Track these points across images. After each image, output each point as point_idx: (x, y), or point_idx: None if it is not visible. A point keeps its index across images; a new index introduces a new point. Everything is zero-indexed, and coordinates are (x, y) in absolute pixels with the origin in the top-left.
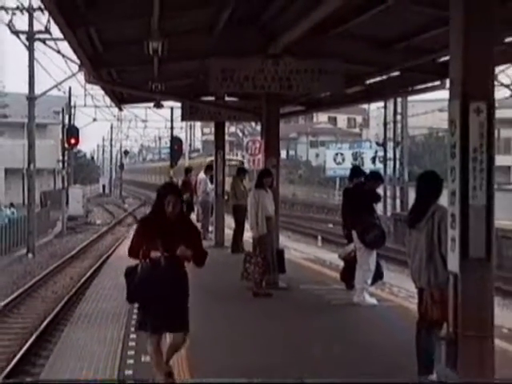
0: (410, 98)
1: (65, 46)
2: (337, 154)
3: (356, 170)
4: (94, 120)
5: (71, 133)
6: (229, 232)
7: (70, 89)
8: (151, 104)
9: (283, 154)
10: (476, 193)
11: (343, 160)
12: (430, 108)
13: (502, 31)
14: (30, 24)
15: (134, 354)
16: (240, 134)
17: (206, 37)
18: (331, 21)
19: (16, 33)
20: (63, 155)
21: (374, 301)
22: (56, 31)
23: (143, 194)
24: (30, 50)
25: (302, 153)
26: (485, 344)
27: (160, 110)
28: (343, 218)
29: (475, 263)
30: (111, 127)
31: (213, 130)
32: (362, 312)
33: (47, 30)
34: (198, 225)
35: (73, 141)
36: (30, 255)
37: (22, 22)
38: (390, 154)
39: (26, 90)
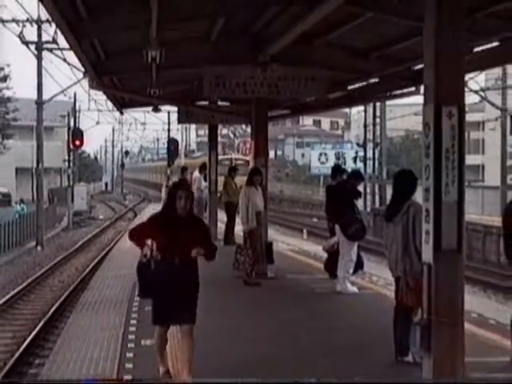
0: (388, 103)
1: (70, 55)
2: (321, 154)
3: (337, 169)
4: (97, 123)
5: (76, 135)
6: (221, 226)
7: (75, 94)
8: (150, 108)
9: (271, 154)
10: (448, 189)
11: (327, 159)
12: (406, 112)
13: (471, 41)
14: (39, 35)
15: (134, 338)
16: (232, 136)
17: (201, 46)
18: (315, 32)
19: (26, 43)
20: (69, 155)
21: (355, 289)
22: (62, 41)
23: (143, 191)
24: (39, 58)
25: (289, 153)
26: (456, 328)
27: (158, 114)
28: (327, 213)
29: (447, 254)
30: (113, 129)
31: (207, 132)
32: (344, 299)
33: (54, 41)
34: None
35: (78, 142)
36: (38, 248)
37: (31, 33)
38: (369, 154)
39: (34, 95)
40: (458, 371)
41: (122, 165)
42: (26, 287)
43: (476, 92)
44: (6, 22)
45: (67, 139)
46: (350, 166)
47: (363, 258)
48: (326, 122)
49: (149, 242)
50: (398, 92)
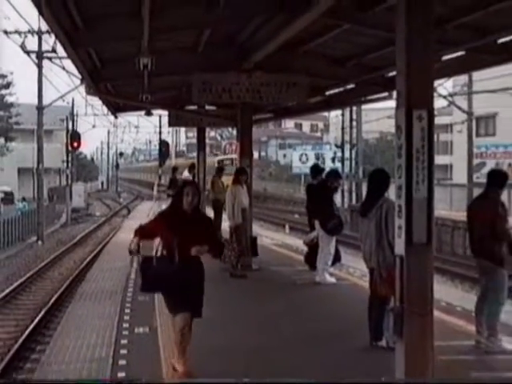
0: (363, 107)
1: (69, 64)
2: (302, 155)
3: (316, 168)
4: (94, 126)
5: (74, 137)
6: None
7: (73, 100)
8: (142, 112)
9: (256, 154)
10: (419, 187)
11: (307, 160)
12: (380, 115)
13: (441, 51)
14: (39, 45)
15: (128, 327)
16: (219, 138)
17: (189, 55)
18: (296, 41)
19: (27, 52)
20: (67, 156)
21: (333, 280)
22: (61, 51)
23: (136, 190)
24: (39, 66)
25: (272, 154)
26: (426, 316)
27: (150, 118)
28: (307, 209)
29: (418, 247)
30: (108, 132)
31: (195, 134)
32: (324, 289)
33: (54, 50)
34: None
35: (75, 144)
36: (39, 242)
37: (32, 43)
38: (347, 155)
39: (35, 100)
40: (428, 355)
41: (117, 165)
42: (28, 279)
43: (444, 97)
44: (10, 33)
45: (66, 141)
46: (328, 165)
47: (341, 251)
48: (306, 125)
49: (156, 238)
50: (373, 97)
